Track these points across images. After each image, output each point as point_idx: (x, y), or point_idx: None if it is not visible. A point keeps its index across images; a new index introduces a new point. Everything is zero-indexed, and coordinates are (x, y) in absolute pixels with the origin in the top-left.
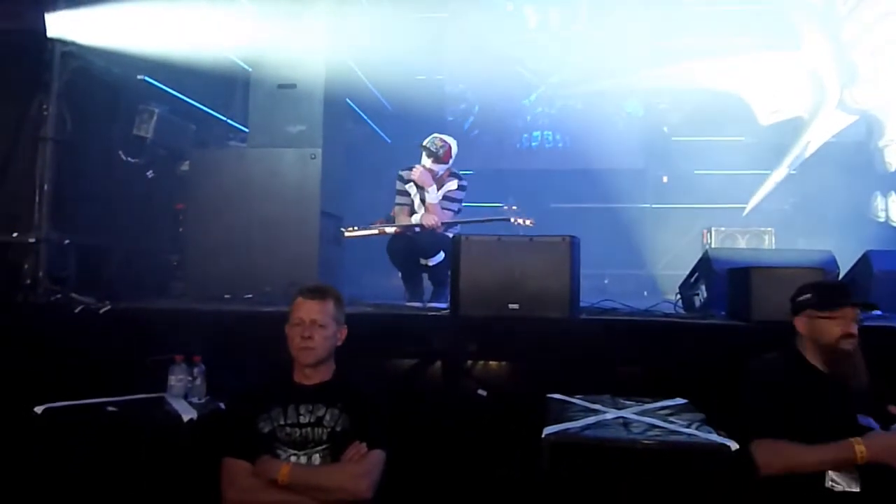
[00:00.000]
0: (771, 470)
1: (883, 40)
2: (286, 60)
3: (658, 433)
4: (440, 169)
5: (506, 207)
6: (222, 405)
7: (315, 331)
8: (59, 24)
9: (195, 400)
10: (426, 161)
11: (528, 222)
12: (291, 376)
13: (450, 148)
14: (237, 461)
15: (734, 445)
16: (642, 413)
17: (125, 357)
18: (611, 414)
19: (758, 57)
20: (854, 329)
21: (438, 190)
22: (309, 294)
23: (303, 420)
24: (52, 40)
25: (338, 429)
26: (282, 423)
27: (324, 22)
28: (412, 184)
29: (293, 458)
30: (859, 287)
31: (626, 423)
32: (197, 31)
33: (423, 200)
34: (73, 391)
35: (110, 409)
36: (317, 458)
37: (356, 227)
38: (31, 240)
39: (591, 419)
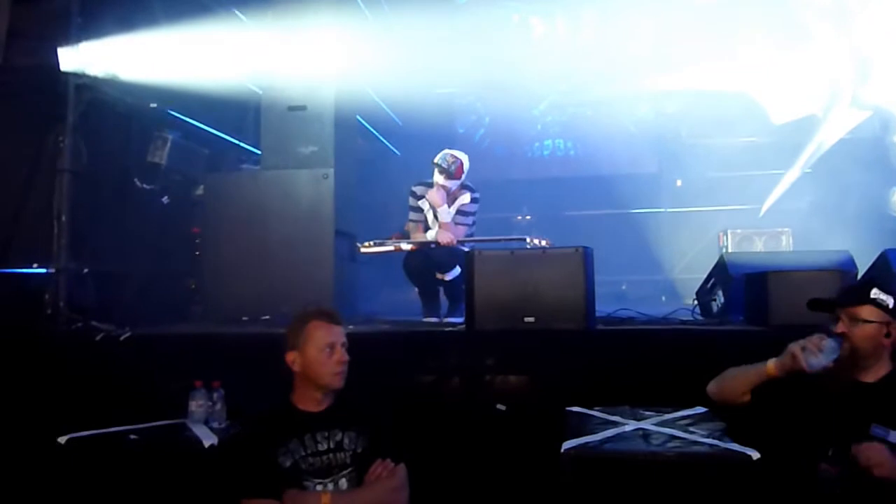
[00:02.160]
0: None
1: (894, 34)
2: (296, 82)
3: (678, 444)
4: (453, 185)
5: (520, 217)
6: None
7: (345, 354)
8: (72, 58)
9: (216, 425)
10: (439, 178)
11: (543, 242)
12: (292, 406)
13: (462, 164)
14: (262, 501)
15: (756, 455)
16: (662, 424)
17: (146, 383)
18: (630, 426)
19: (768, 56)
20: (839, 328)
21: (452, 205)
22: (328, 317)
23: (322, 447)
24: (66, 74)
25: (359, 450)
26: (303, 454)
27: (332, 43)
28: (425, 200)
29: (319, 487)
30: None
31: (645, 435)
32: (207, 57)
33: (436, 217)
34: (95, 419)
35: (133, 437)
36: (343, 483)
37: (372, 243)
38: (51, 270)
39: (611, 432)
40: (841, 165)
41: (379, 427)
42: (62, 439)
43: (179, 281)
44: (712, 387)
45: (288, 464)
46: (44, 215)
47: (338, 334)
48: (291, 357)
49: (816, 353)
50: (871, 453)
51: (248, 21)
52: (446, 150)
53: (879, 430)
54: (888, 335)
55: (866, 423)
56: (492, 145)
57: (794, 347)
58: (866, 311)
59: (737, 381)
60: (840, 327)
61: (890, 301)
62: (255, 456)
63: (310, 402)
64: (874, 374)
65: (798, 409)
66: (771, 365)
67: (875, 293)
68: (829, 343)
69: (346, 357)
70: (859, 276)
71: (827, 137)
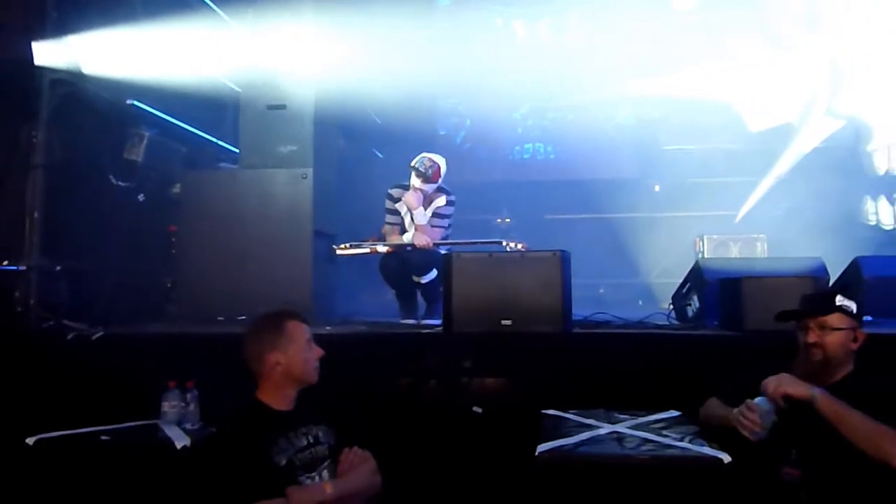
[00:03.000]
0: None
1: (868, 45)
2: (275, 81)
3: (652, 447)
4: (430, 188)
5: (499, 220)
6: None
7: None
8: (47, 52)
9: (189, 426)
10: (416, 181)
11: (520, 246)
12: (265, 406)
13: (439, 167)
14: (274, 502)
15: (727, 458)
16: (636, 427)
17: (118, 383)
18: (605, 429)
19: (745, 64)
20: (811, 338)
21: (427, 208)
22: (299, 317)
23: (302, 443)
24: (41, 68)
25: (332, 442)
26: (293, 451)
27: (313, 42)
28: (402, 202)
29: (308, 481)
30: (850, 293)
31: (619, 438)
32: (186, 54)
33: (413, 219)
34: (66, 420)
35: (104, 437)
36: (325, 475)
37: (348, 245)
38: (22, 267)
39: (585, 435)
40: (816, 174)
41: (346, 418)
42: (30, 440)
43: (155, 280)
44: (701, 413)
45: (283, 462)
46: (16, 211)
47: (309, 331)
48: (273, 358)
49: (756, 426)
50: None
51: (228, 18)
52: (424, 154)
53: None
54: (855, 339)
55: (827, 425)
56: (473, 148)
57: (736, 422)
58: (835, 319)
59: (714, 418)
60: (811, 337)
61: (853, 306)
62: (254, 460)
63: (283, 401)
64: (838, 376)
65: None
66: (732, 419)
67: (840, 300)
68: (760, 409)
69: (322, 351)
70: (831, 283)
71: (802, 146)
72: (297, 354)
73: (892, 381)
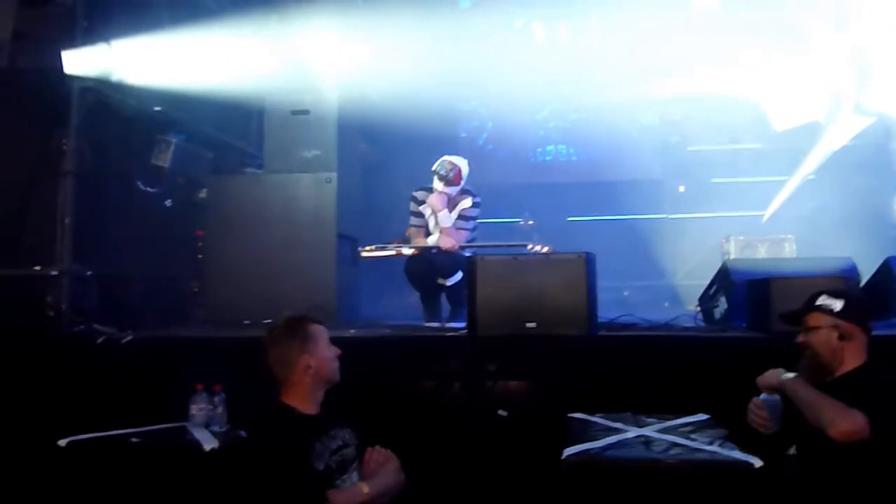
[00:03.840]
0: None
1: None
2: (299, 87)
3: (680, 451)
4: (453, 190)
5: (522, 222)
6: (243, 433)
7: None
8: (76, 61)
9: (216, 429)
10: (438, 185)
11: (545, 249)
12: (294, 411)
13: (460, 170)
14: None
15: (758, 462)
16: (664, 431)
17: (147, 386)
18: (632, 433)
19: (770, 62)
20: (799, 338)
21: (452, 210)
22: (316, 319)
23: (334, 445)
24: (70, 77)
25: (357, 443)
26: (328, 455)
27: (335, 47)
28: (426, 205)
29: (342, 483)
30: (882, 294)
31: (647, 442)
32: (211, 60)
33: (437, 222)
34: (96, 422)
35: (133, 440)
36: (355, 476)
37: (374, 248)
38: (54, 273)
39: (613, 439)
40: (844, 172)
41: (365, 419)
42: (62, 442)
43: (182, 284)
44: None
45: (322, 467)
46: (47, 217)
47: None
48: (305, 362)
49: (765, 420)
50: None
51: (251, 24)
52: (445, 157)
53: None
54: (841, 337)
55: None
56: (495, 150)
57: (749, 420)
58: (814, 319)
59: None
60: (800, 337)
61: (838, 304)
62: (296, 466)
63: (312, 404)
64: (839, 372)
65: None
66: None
67: (822, 300)
68: (767, 405)
69: (338, 349)
70: (862, 284)
71: (830, 144)
72: (325, 356)
73: None
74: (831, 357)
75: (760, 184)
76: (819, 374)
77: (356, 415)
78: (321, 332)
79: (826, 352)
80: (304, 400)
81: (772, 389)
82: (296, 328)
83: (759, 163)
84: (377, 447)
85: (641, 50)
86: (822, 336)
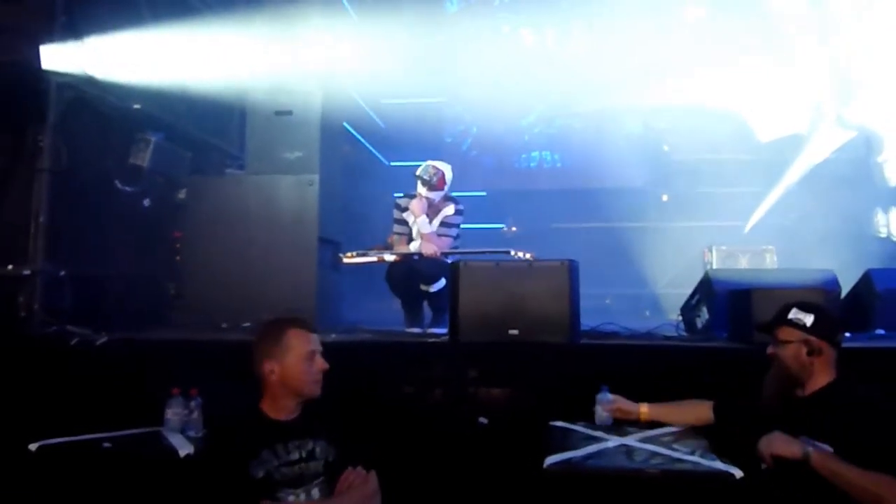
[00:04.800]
0: None
1: (878, 54)
2: (282, 87)
3: (661, 461)
4: (436, 196)
5: (505, 229)
6: None
7: (324, 362)
8: (54, 56)
9: (192, 434)
10: (421, 189)
11: (528, 256)
12: (262, 414)
13: (443, 175)
14: None
15: (738, 473)
16: (645, 440)
17: (122, 390)
18: (613, 442)
19: (755, 73)
20: (769, 350)
21: (435, 217)
22: (305, 325)
23: (294, 457)
24: (48, 72)
25: (330, 459)
26: (276, 464)
27: (320, 48)
28: (410, 212)
29: (292, 498)
30: (862, 307)
31: (628, 451)
32: (193, 59)
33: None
34: (68, 426)
35: (106, 444)
36: (315, 493)
37: (355, 253)
38: (26, 272)
39: (594, 448)
40: (826, 185)
41: (349, 434)
42: (33, 446)
43: (159, 286)
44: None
45: (261, 475)
46: (21, 215)
47: (316, 342)
48: (269, 367)
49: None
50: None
51: (235, 23)
52: (428, 162)
53: (807, 444)
54: (811, 352)
55: (795, 436)
56: (479, 155)
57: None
58: (784, 332)
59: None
60: (770, 349)
61: (808, 319)
62: (228, 469)
63: (282, 411)
64: (809, 388)
65: (745, 428)
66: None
67: (793, 313)
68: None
69: (326, 365)
70: (842, 296)
71: (812, 156)
72: (293, 365)
73: (872, 389)
74: (800, 371)
75: (743, 194)
76: (787, 387)
77: (338, 427)
78: (297, 340)
79: (795, 366)
80: (272, 405)
81: (772, 459)
82: (267, 331)
83: (743, 173)
84: (358, 468)
85: (628, 58)
86: (792, 350)
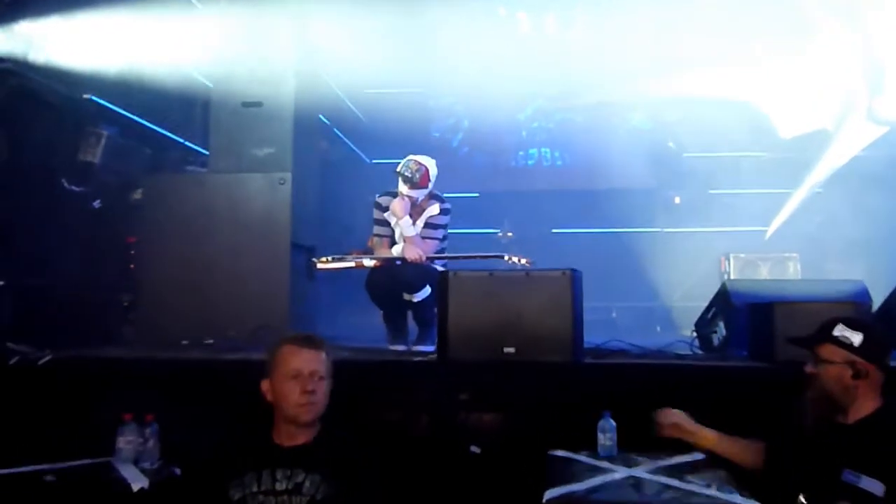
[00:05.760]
0: None
1: None
2: (251, 75)
3: (674, 495)
4: (419, 194)
5: (500, 234)
6: (178, 471)
7: (317, 384)
8: None
9: (147, 465)
10: (403, 187)
11: (524, 261)
12: (266, 437)
13: (427, 170)
14: None
15: None
16: (656, 471)
17: (67, 415)
18: (620, 473)
19: (776, 64)
20: (808, 369)
21: (419, 217)
22: (303, 342)
23: (279, 487)
24: None
25: (318, 497)
26: (255, 490)
27: (292, 32)
28: (391, 212)
29: None
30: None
31: (637, 484)
32: (151, 44)
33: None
34: (5, 456)
35: (48, 478)
36: None
37: (330, 259)
38: None
39: (598, 480)
40: (854, 185)
41: (354, 477)
42: None
43: (110, 297)
44: None
45: (237, 497)
46: None
47: (307, 360)
48: (265, 385)
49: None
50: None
51: (199, 5)
52: (410, 157)
53: (850, 476)
54: (856, 375)
55: (838, 468)
56: (471, 152)
57: None
58: (827, 351)
59: None
60: (809, 367)
61: (856, 338)
62: (204, 485)
63: (283, 435)
64: (853, 414)
65: (776, 453)
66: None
67: (839, 330)
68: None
69: (312, 387)
70: (874, 309)
71: (839, 154)
72: (279, 385)
73: None
74: (843, 395)
75: (763, 196)
76: (828, 410)
77: (341, 464)
78: (286, 357)
79: (837, 389)
80: (276, 428)
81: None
82: (270, 347)
83: (762, 173)
84: None
85: (635, 45)
86: (835, 372)
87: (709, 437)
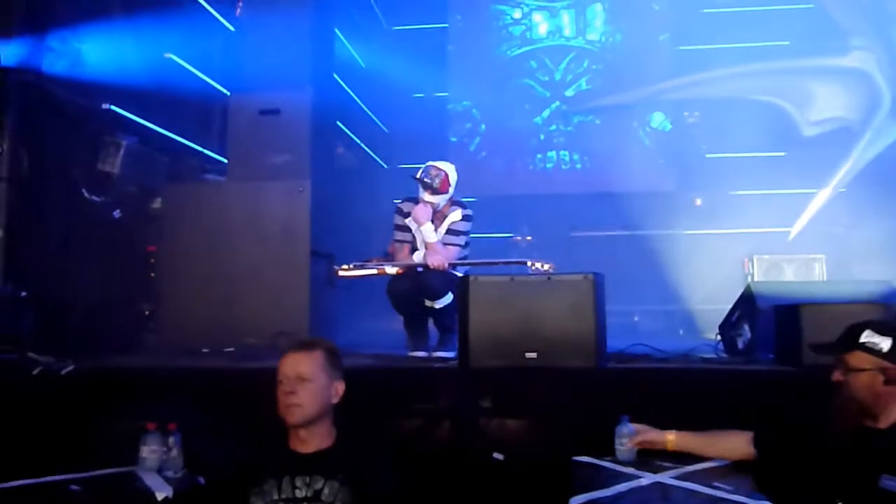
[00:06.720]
0: None
1: None
2: (269, 83)
3: (701, 501)
4: (440, 200)
5: (519, 238)
6: (201, 480)
7: (299, 385)
8: (14, 52)
9: (170, 474)
10: (423, 194)
11: (547, 267)
12: (284, 444)
13: (446, 176)
14: None
15: None
16: (682, 477)
17: (91, 425)
18: (646, 479)
19: (798, 61)
20: (835, 376)
21: (441, 224)
22: (294, 346)
23: (299, 494)
24: (7, 70)
25: (337, 503)
26: (275, 497)
27: (309, 38)
28: (413, 218)
29: None
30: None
31: (664, 491)
32: (169, 54)
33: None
34: (30, 467)
35: (73, 487)
36: None
37: (351, 266)
38: None
39: (624, 486)
40: (882, 184)
41: (372, 483)
42: None
43: (131, 307)
44: None
45: None
46: None
47: (290, 364)
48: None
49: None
50: None
51: (215, 13)
52: (429, 163)
53: (889, 482)
54: (888, 382)
55: (875, 474)
56: (489, 156)
57: None
58: (856, 359)
59: None
60: (836, 375)
61: (886, 343)
62: (227, 493)
63: (296, 441)
64: (885, 419)
65: (804, 460)
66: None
67: (866, 336)
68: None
69: (290, 389)
70: None
71: (865, 153)
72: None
73: None
74: (873, 402)
75: (787, 196)
76: (857, 418)
77: (360, 470)
78: (283, 361)
79: (868, 396)
80: (289, 435)
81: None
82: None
83: (786, 173)
84: None
85: (654, 45)
86: (865, 379)
87: (668, 438)
